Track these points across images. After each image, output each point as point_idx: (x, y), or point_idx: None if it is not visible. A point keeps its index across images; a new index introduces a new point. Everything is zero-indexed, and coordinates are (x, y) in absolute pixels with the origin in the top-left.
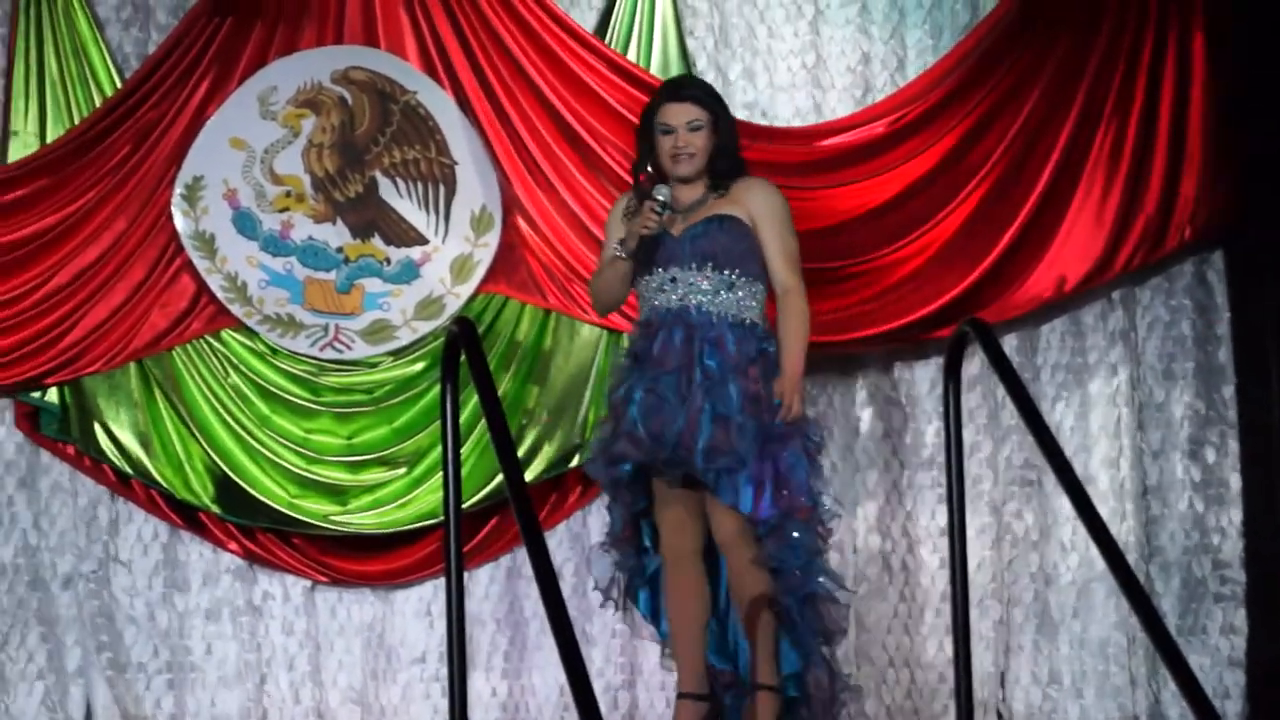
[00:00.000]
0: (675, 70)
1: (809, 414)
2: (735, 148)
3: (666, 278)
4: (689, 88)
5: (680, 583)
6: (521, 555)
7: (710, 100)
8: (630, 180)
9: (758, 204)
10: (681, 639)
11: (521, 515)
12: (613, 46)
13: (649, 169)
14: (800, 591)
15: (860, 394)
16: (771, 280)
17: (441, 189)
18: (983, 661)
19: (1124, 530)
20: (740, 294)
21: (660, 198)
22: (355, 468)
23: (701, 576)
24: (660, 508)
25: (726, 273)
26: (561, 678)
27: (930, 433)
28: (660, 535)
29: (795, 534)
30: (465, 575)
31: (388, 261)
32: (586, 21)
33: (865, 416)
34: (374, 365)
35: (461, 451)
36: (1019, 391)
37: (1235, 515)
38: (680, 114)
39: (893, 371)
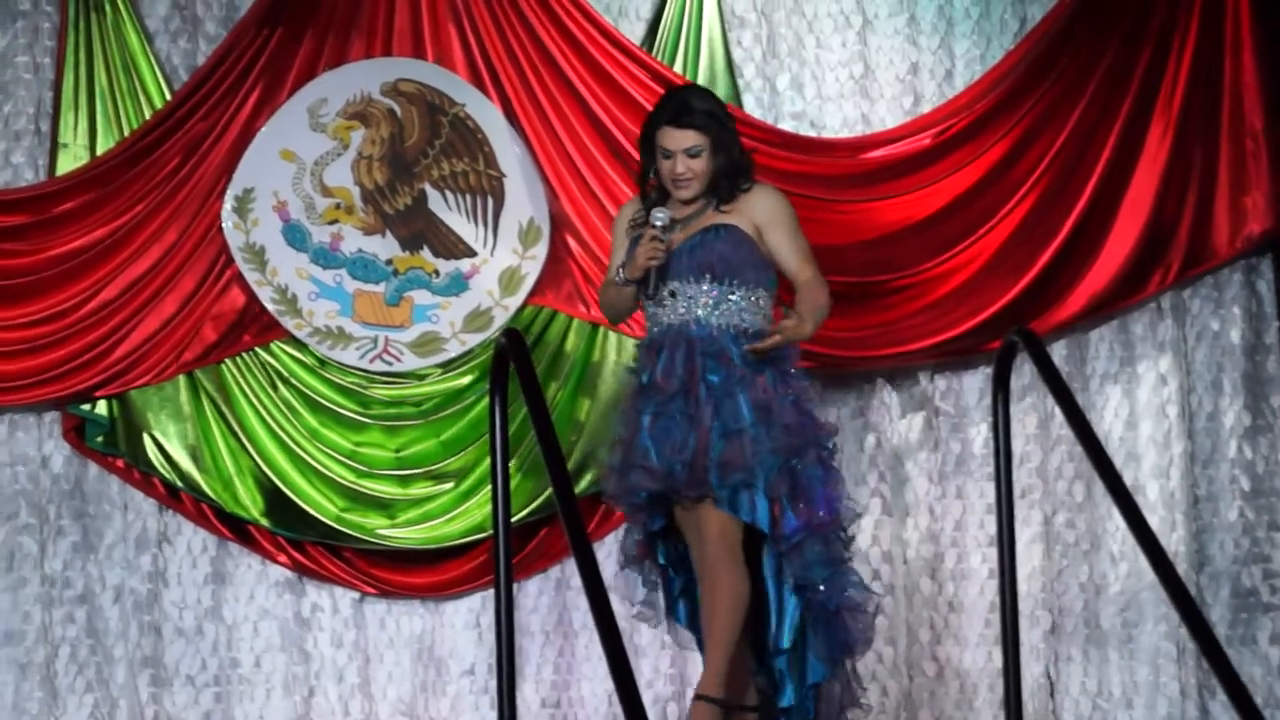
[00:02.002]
0: (722, 82)
1: (822, 420)
2: (738, 166)
3: (666, 292)
4: (688, 113)
5: (711, 584)
6: (570, 567)
7: (711, 123)
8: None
9: (762, 210)
10: (709, 639)
11: (571, 527)
12: (659, 58)
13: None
14: (825, 608)
15: (909, 404)
16: (791, 280)
17: (490, 201)
18: (1032, 672)
19: (1174, 540)
20: (741, 303)
21: (658, 223)
22: (404, 481)
23: (744, 577)
24: (686, 527)
25: (725, 283)
26: (610, 689)
27: (979, 442)
28: (693, 549)
29: (817, 548)
30: (514, 587)
31: (436, 274)
32: (633, 33)
33: (914, 426)
34: (423, 377)
35: (510, 464)
36: (1068, 401)
37: None
38: (679, 141)
39: (941, 381)
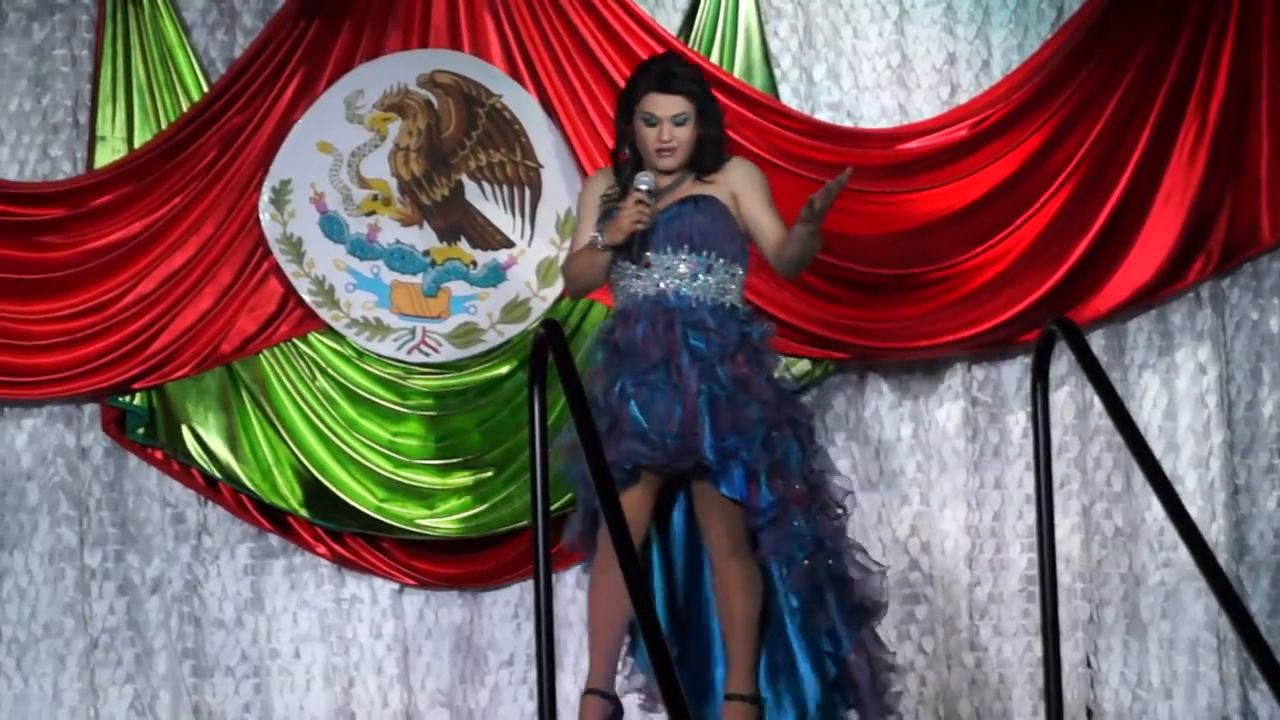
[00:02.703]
0: (759, 73)
1: (798, 400)
2: (722, 139)
3: (643, 261)
4: (678, 79)
5: (617, 578)
6: None
7: (699, 90)
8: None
9: (739, 179)
10: (606, 636)
11: (609, 516)
12: (696, 49)
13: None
14: (810, 583)
15: (946, 394)
16: (765, 245)
17: (527, 192)
18: (1072, 662)
19: (1214, 530)
20: (719, 276)
21: (644, 187)
22: (443, 471)
23: None
24: (627, 496)
25: (704, 255)
26: None
27: (1017, 432)
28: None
29: (795, 523)
30: (553, 577)
31: (474, 265)
32: (670, 24)
33: (952, 416)
34: (461, 368)
35: (549, 454)
36: (1107, 391)
37: None
38: (667, 107)
39: (979, 371)
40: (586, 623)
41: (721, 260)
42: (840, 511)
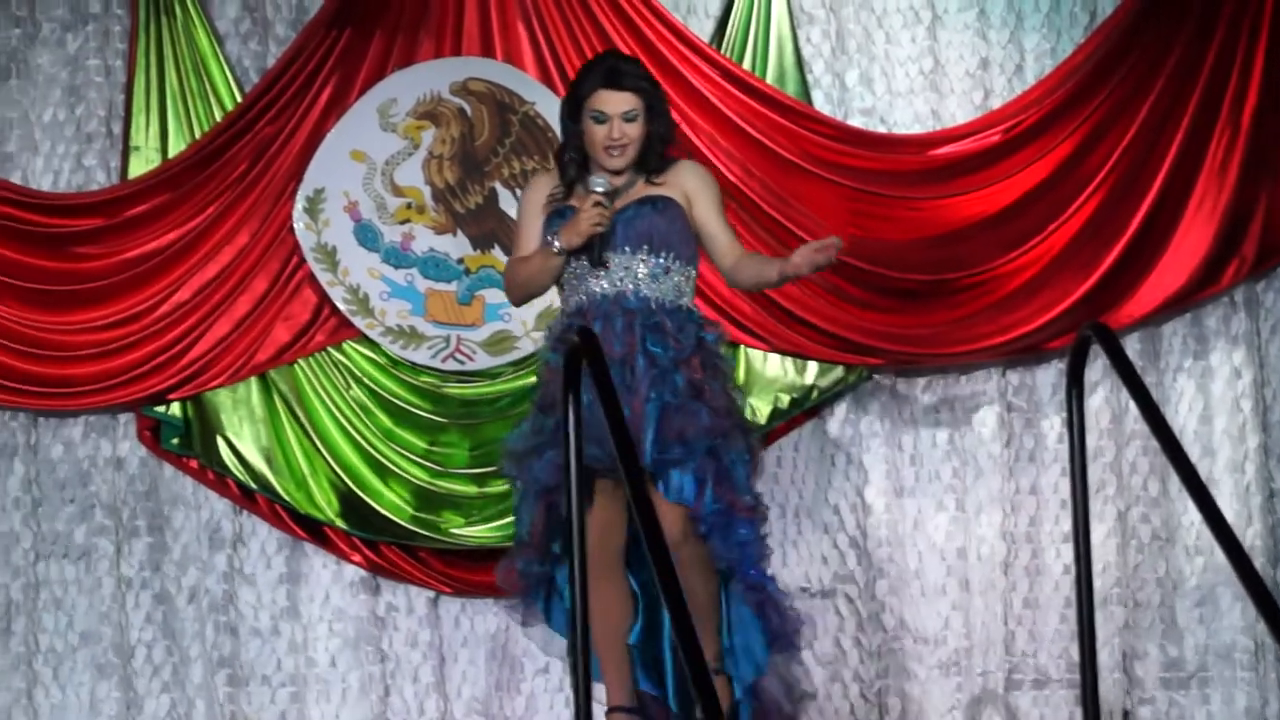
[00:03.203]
0: (791, 79)
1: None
2: (669, 136)
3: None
4: (627, 75)
5: (607, 591)
6: None
7: (648, 86)
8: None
9: (692, 182)
10: (612, 651)
11: (644, 523)
12: (728, 55)
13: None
14: (757, 594)
15: (981, 400)
16: (717, 251)
17: None
18: (1108, 667)
19: (1250, 534)
20: (676, 278)
21: (600, 190)
22: (479, 480)
23: (626, 583)
24: (596, 509)
25: (663, 256)
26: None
27: (1053, 437)
28: (586, 539)
29: (743, 531)
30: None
31: None
32: (702, 30)
33: (987, 422)
34: (496, 376)
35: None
36: (1143, 396)
37: None
38: (617, 103)
39: (1014, 376)
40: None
41: (678, 262)
42: (766, 532)
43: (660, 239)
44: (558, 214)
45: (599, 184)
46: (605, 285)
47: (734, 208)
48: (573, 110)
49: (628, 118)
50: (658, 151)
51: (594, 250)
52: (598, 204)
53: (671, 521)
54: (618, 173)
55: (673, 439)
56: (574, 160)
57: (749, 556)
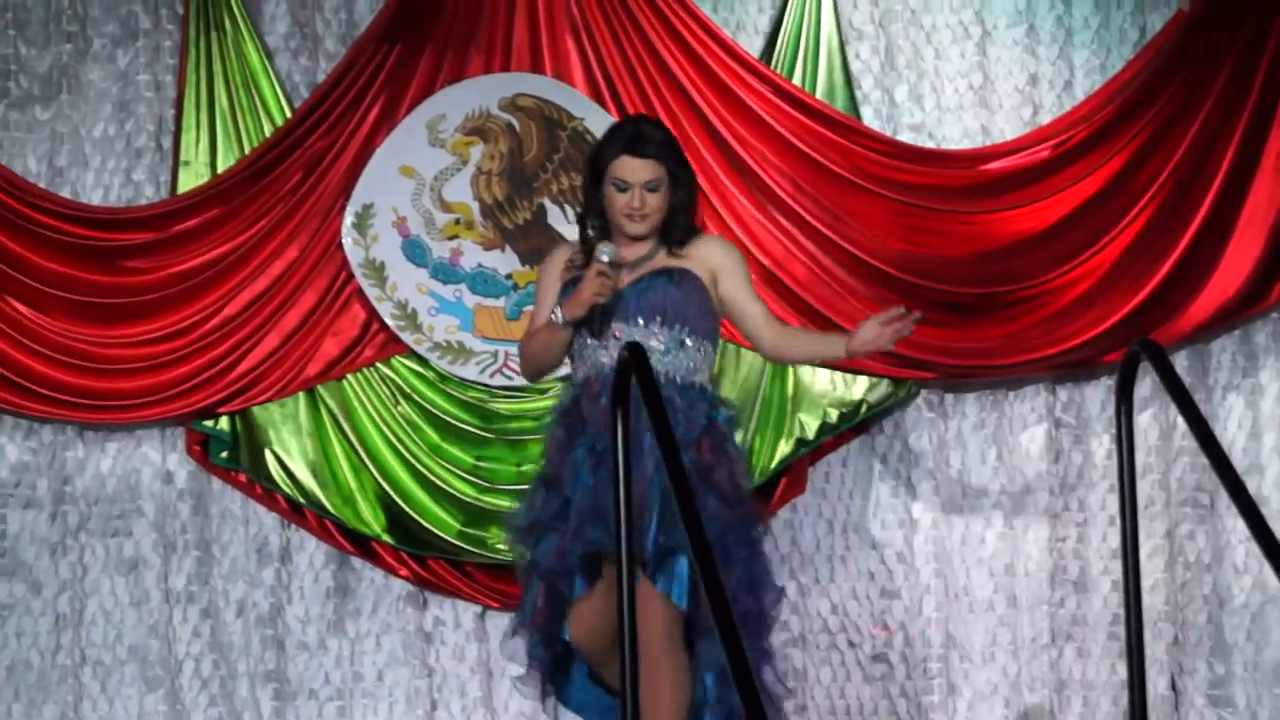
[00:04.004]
0: (841, 95)
1: (751, 499)
2: (692, 206)
3: (610, 334)
4: (650, 144)
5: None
6: None
7: (672, 155)
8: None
9: (719, 258)
10: None
11: (693, 539)
12: (778, 70)
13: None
14: (730, 701)
15: (1030, 416)
16: (752, 326)
17: None
18: (1156, 685)
19: None
20: (690, 354)
21: (605, 258)
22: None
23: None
24: (594, 597)
25: (677, 329)
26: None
27: (1101, 454)
28: (593, 621)
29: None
30: None
31: None
32: (752, 46)
33: (1036, 438)
34: (544, 391)
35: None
36: (1192, 412)
37: None
38: (639, 172)
39: (1063, 393)
40: None
41: (694, 337)
42: (774, 620)
43: (674, 311)
44: (572, 284)
45: (605, 253)
46: (611, 358)
47: (783, 225)
48: (595, 176)
49: (650, 187)
50: (681, 222)
51: (595, 321)
52: (601, 273)
53: (655, 614)
54: (640, 239)
55: (675, 524)
56: (596, 227)
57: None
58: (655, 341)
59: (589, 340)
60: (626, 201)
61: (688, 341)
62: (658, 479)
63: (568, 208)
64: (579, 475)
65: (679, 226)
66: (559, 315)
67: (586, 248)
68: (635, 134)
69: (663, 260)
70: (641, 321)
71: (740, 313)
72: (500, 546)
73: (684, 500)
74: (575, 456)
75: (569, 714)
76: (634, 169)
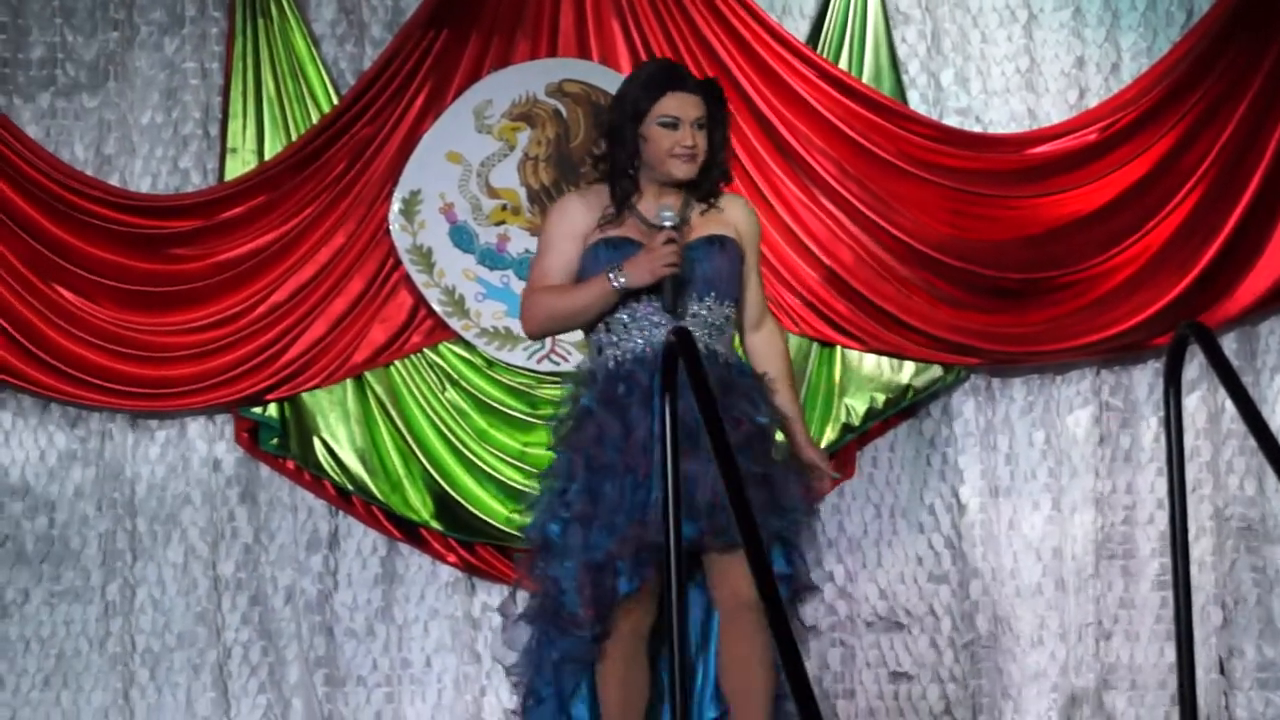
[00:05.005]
0: (887, 79)
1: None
2: (729, 150)
3: (685, 307)
4: (691, 79)
5: (635, 675)
6: None
7: (714, 92)
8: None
9: (746, 225)
10: None
11: (743, 525)
12: (825, 55)
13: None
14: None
15: (1076, 399)
16: (749, 317)
17: None
18: (1205, 667)
19: None
20: (731, 331)
21: (668, 224)
22: None
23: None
24: (650, 589)
25: (724, 304)
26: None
27: (1148, 437)
28: (630, 615)
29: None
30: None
31: None
32: (798, 31)
33: (1082, 421)
34: None
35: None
36: (1241, 395)
37: None
38: (690, 107)
39: (1110, 376)
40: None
41: (734, 310)
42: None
43: (724, 285)
44: (608, 244)
45: (668, 216)
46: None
47: (829, 210)
48: (633, 119)
49: (699, 124)
50: (720, 164)
51: (667, 294)
52: (670, 239)
53: (752, 600)
54: (678, 186)
55: (772, 511)
56: (630, 177)
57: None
58: (716, 318)
59: (636, 316)
60: (679, 139)
61: (730, 317)
62: (742, 459)
63: None
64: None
65: (717, 168)
66: (620, 278)
67: (619, 200)
68: (672, 70)
69: (702, 224)
70: (697, 295)
71: (743, 292)
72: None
73: (729, 473)
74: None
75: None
76: (686, 103)
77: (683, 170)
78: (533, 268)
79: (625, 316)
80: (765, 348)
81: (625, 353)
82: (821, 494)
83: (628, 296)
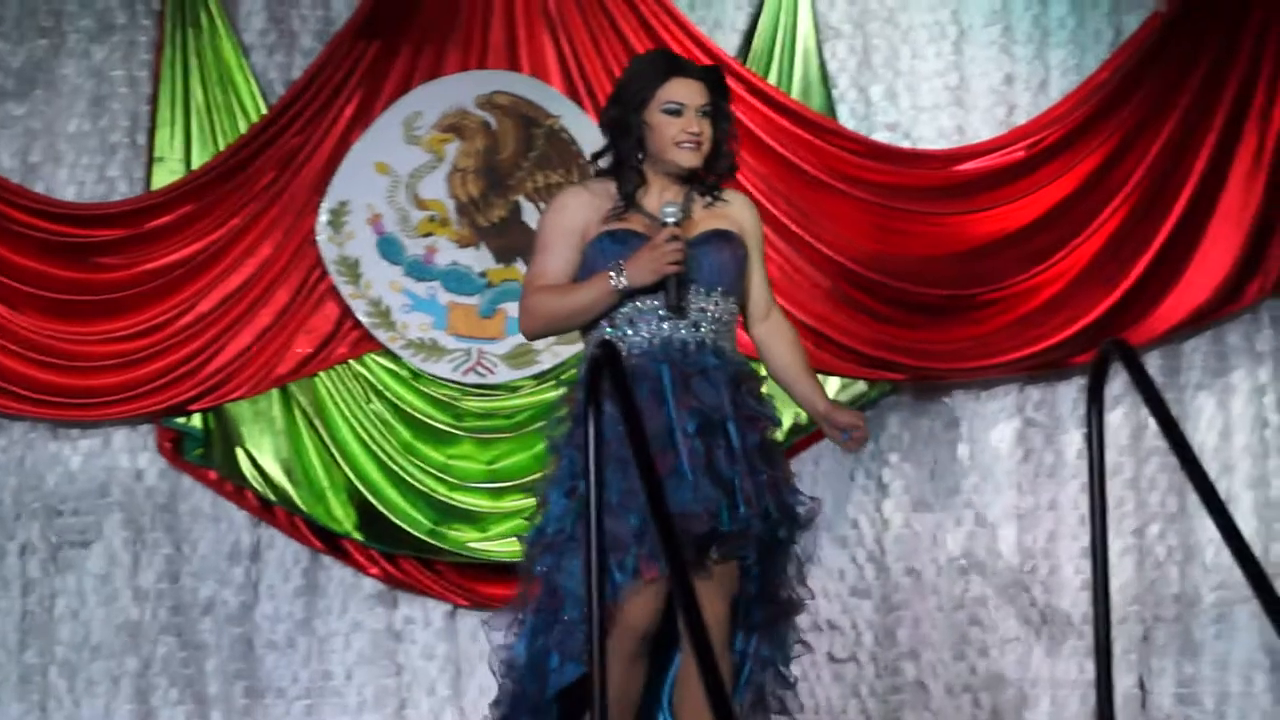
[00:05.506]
0: (817, 93)
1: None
2: (734, 141)
3: (688, 305)
4: (693, 66)
5: (632, 676)
6: None
7: (718, 81)
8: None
9: (749, 222)
10: None
11: (665, 538)
12: (754, 69)
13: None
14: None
15: (1001, 415)
16: (754, 310)
17: None
18: (1124, 683)
19: (1273, 551)
20: (735, 327)
21: (672, 220)
22: (496, 494)
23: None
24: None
25: (732, 301)
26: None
27: (1072, 452)
28: (625, 609)
29: (788, 633)
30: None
31: None
32: (728, 44)
33: (1006, 437)
34: (515, 390)
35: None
36: (1162, 413)
37: None
38: (695, 94)
39: (1034, 391)
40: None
41: (737, 307)
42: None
43: (731, 280)
44: (613, 238)
45: (670, 213)
46: (684, 332)
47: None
48: (635, 107)
49: (704, 111)
50: (725, 154)
51: (670, 292)
52: (674, 236)
53: (725, 599)
54: (680, 177)
55: (788, 520)
56: (635, 169)
57: (782, 659)
58: (723, 313)
59: (642, 310)
60: (683, 126)
61: (735, 313)
62: (763, 469)
63: (543, 205)
64: (691, 446)
65: (723, 159)
66: (621, 279)
67: (625, 193)
68: (672, 58)
69: (706, 218)
70: (704, 290)
71: (748, 290)
72: (472, 545)
73: (651, 487)
74: (672, 423)
75: None
76: (691, 90)
77: (688, 159)
78: (530, 266)
79: (631, 311)
80: (775, 336)
81: (632, 347)
82: (859, 445)
83: (631, 292)
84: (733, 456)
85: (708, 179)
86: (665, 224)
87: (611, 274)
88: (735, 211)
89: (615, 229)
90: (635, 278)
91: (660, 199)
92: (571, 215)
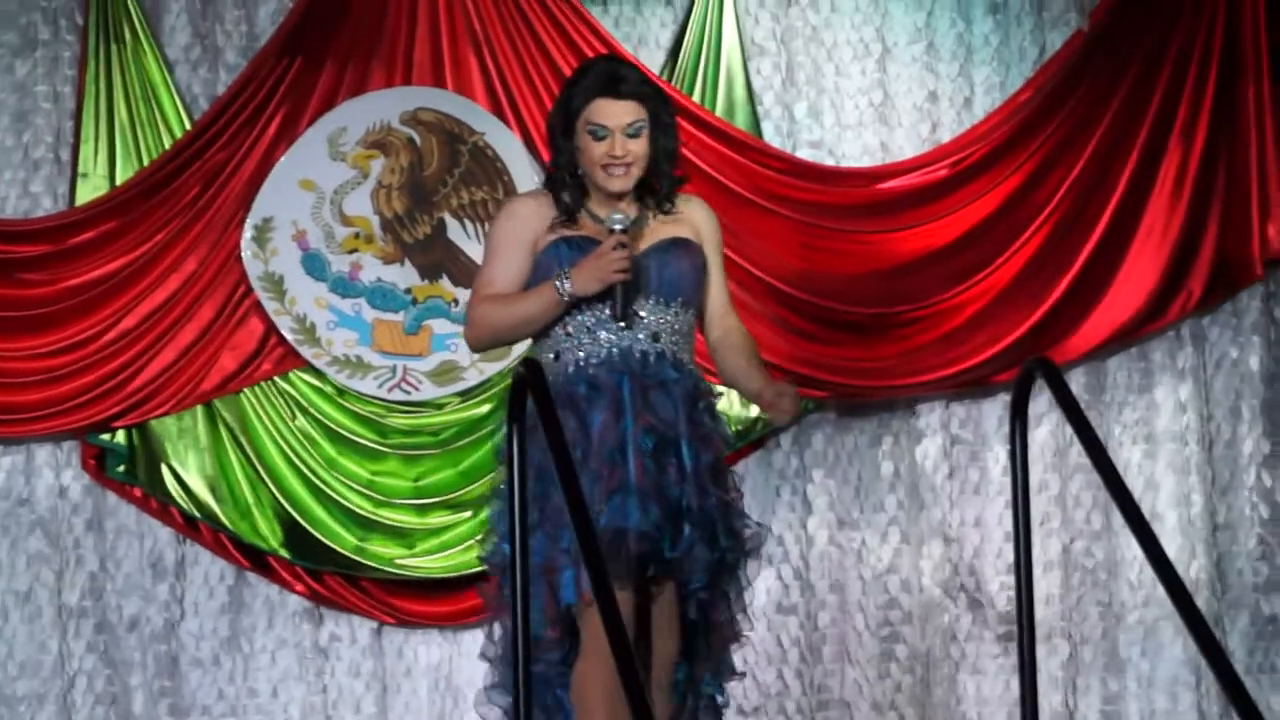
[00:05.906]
0: (742, 111)
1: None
2: (677, 154)
3: (634, 314)
4: (628, 82)
5: (622, 712)
6: None
7: (652, 94)
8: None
9: (707, 228)
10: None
11: (589, 558)
12: (679, 87)
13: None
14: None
15: (926, 431)
16: (711, 317)
17: None
18: (1050, 701)
19: (1194, 568)
20: (693, 338)
21: (619, 227)
22: (422, 511)
23: None
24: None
25: (690, 312)
26: None
27: (997, 470)
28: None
29: (727, 659)
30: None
31: (455, 302)
32: (653, 62)
33: (931, 453)
34: (441, 406)
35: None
36: (1086, 431)
37: None
38: (619, 114)
39: (959, 409)
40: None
41: (693, 317)
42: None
43: (690, 291)
44: (569, 244)
45: (618, 220)
46: (644, 342)
47: None
48: (565, 124)
49: (630, 132)
50: (665, 172)
51: (617, 301)
52: (620, 244)
53: (672, 653)
54: (619, 197)
55: (736, 544)
56: (570, 185)
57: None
58: (679, 323)
59: (601, 319)
60: (606, 150)
61: (691, 323)
62: (712, 491)
63: (468, 222)
64: (626, 462)
65: (664, 177)
66: (566, 287)
67: (563, 209)
68: (609, 73)
69: (661, 227)
70: (663, 301)
71: (706, 297)
72: (398, 561)
73: (575, 506)
74: (626, 438)
75: None
76: (612, 111)
77: (614, 183)
78: (478, 276)
79: (589, 319)
80: (732, 341)
81: (590, 355)
82: (788, 414)
83: (588, 300)
84: (683, 476)
85: (659, 191)
86: (612, 230)
87: (557, 282)
88: (692, 217)
89: (571, 235)
90: (581, 286)
91: (608, 206)
92: (522, 222)
